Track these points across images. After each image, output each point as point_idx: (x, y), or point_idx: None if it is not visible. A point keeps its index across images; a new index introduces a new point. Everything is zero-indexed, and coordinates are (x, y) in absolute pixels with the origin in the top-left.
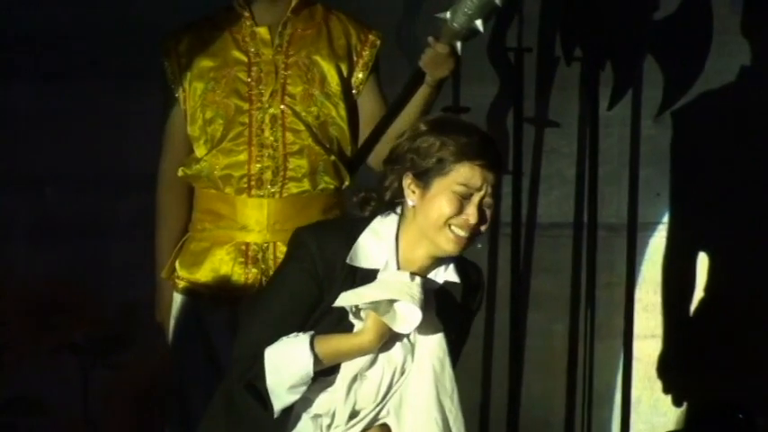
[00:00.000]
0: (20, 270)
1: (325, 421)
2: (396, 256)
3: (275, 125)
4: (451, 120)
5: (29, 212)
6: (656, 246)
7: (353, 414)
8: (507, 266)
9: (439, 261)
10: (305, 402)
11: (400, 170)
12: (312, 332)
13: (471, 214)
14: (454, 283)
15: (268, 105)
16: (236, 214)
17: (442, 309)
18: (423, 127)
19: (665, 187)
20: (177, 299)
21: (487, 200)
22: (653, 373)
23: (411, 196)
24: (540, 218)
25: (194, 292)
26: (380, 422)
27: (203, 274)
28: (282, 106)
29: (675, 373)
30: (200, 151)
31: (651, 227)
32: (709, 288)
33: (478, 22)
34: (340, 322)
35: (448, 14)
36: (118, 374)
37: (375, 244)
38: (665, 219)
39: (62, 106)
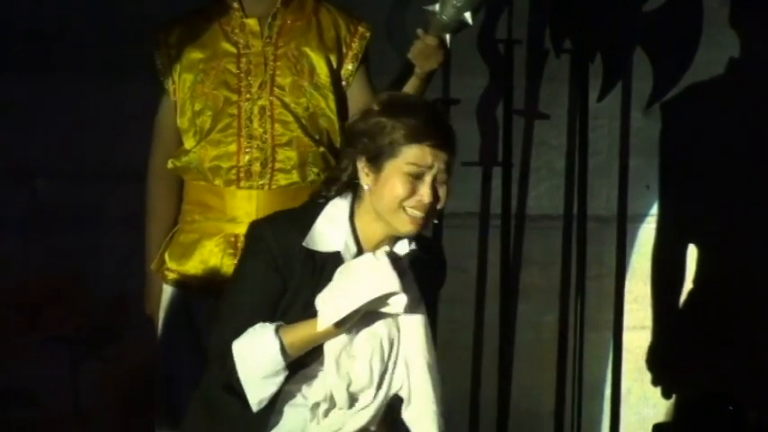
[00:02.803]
0: (10, 262)
1: (324, 406)
2: (354, 236)
3: (264, 116)
4: (402, 100)
5: (19, 205)
6: (646, 237)
7: (353, 397)
8: (497, 258)
9: (397, 238)
10: (286, 395)
11: (354, 153)
12: (278, 322)
13: (425, 194)
14: (414, 259)
15: (257, 97)
16: (225, 206)
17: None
18: (375, 107)
19: (655, 179)
20: (167, 291)
21: (441, 176)
22: (643, 364)
23: (365, 179)
24: (530, 210)
25: (184, 284)
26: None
27: (193, 266)
28: (271, 97)
29: (665, 364)
30: (189, 143)
31: (641, 219)
32: (698, 279)
33: (467, 15)
34: (306, 309)
35: (437, 7)
36: (109, 366)
37: (331, 228)
38: (655, 210)
39: (53, 99)
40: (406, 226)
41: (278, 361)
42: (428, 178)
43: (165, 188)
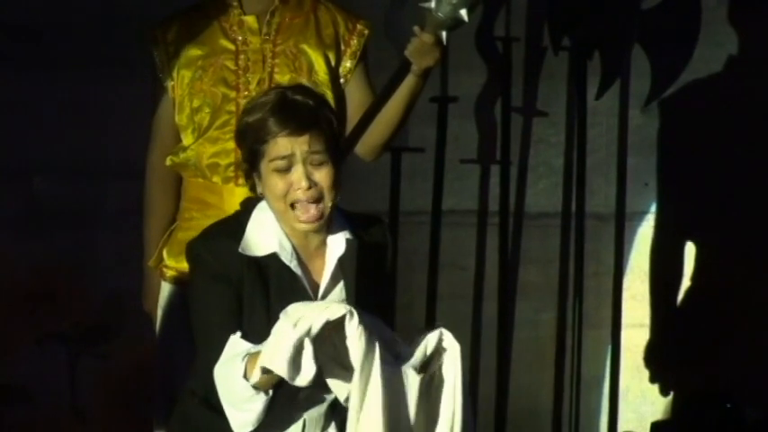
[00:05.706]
0: (7, 260)
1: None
2: (285, 234)
3: None
4: (252, 101)
5: (17, 202)
6: (644, 235)
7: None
8: (495, 256)
9: (331, 235)
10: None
11: (245, 165)
12: (246, 353)
13: (296, 180)
14: (361, 245)
15: (255, 94)
16: (223, 203)
17: (348, 273)
18: (241, 118)
19: (653, 177)
20: (165, 288)
21: (313, 158)
22: (641, 362)
23: (258, 186)
24: (528, 207)
25: (182, 281)
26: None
27: None
28: None
29: (663, 362)
30: (187, 140)
31: (639, 216)
32: (696, 277)
33: (463, 12)
34: (269, 314)
35: (433, 4)
36: (105, 364)
37: (261, 232)
38: (653, 208)
39: (49, 96)
40: (300, 224)
41: (247, 387)
42: (297, 166)
43: (163, 185)
